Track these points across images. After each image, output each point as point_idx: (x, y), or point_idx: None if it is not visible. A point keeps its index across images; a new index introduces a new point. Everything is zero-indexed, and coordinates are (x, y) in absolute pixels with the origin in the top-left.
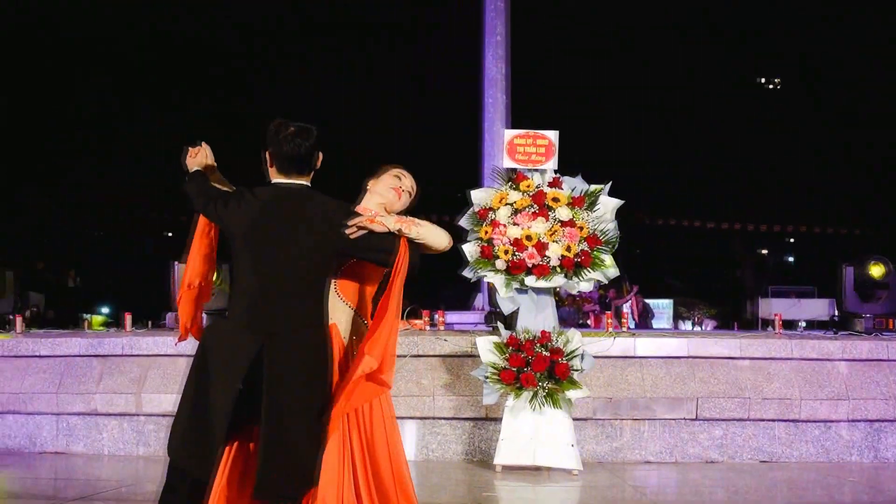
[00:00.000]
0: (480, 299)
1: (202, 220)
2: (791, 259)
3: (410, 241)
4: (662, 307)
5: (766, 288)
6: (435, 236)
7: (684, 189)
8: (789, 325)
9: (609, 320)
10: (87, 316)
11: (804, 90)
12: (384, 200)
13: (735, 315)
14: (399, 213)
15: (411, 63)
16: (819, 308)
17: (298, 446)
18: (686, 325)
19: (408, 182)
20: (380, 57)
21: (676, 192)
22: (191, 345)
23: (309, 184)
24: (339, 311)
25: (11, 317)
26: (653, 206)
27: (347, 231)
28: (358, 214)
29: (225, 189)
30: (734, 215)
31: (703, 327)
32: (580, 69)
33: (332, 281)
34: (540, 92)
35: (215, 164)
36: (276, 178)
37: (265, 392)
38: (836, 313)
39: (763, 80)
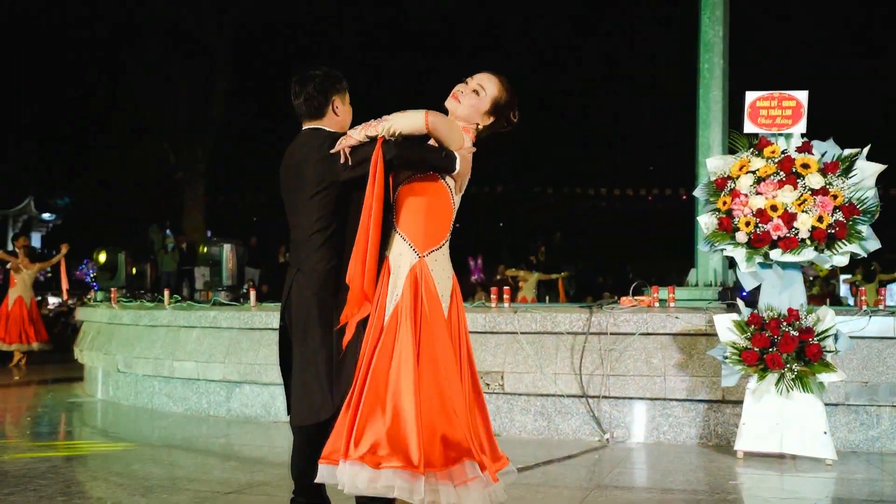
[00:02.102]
0: (694, 275)
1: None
2: None
3: (388, 142)
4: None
5: None
6: (406, 123)
7: None
8: None
9: (863, 297)
10: None
11: None
12: (451, 109)
13: None
14: (486, 114)
15: (621, 28)
16: None
17: (308, 378)
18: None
19: (475, 81)
20: (584, 28)
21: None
22: None
23: (323, 126)
24: (397, 244)
25: (245, 290)
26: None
27: (336, 159)
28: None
29: None
30: None
31: None
32: (794, 32)
33: (393, 215)
34: (758, 56)
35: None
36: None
37: (291, 324)
38: None
39: None
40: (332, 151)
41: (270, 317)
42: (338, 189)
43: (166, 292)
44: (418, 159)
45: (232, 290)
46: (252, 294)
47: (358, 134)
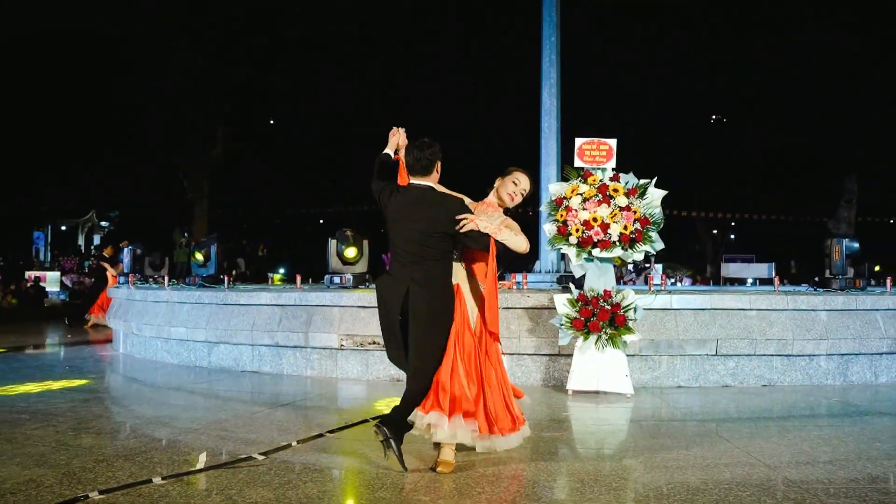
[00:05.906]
0: (538, 265)
1: None
2: (732, 237)
3: (496, 242)
4: (653, 270)
5: (722, 256)
6: (515, 243)
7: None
8: (741, 282)
9: (651, 282)
10: (271, 274)
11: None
12: (501, 201)
13: (700, 275)
14: (508, 210)
15: (481, 98)
16: (762, 270)
17: (424, 357)
18: (669, 282)
19: (522, 186)
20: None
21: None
22: (340, 298)
23: (431, 183)
24: (461, 277)
25: (222, 276)
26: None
27: (459, 223)
28: (470, 211)
29: (388, 182)
30: (699, 205)
31: (682, 283)
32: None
33: (463, 262)
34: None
35: (406, 145)
36: (410, 180)
37: (410, 317)
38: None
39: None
40: (460, 218)
41: (239, 296)
42: (450, 235)
43: (166, 278)
44: (502, 257)
45: (212, 276)
46: (226, 280)
47: (482, 226)
